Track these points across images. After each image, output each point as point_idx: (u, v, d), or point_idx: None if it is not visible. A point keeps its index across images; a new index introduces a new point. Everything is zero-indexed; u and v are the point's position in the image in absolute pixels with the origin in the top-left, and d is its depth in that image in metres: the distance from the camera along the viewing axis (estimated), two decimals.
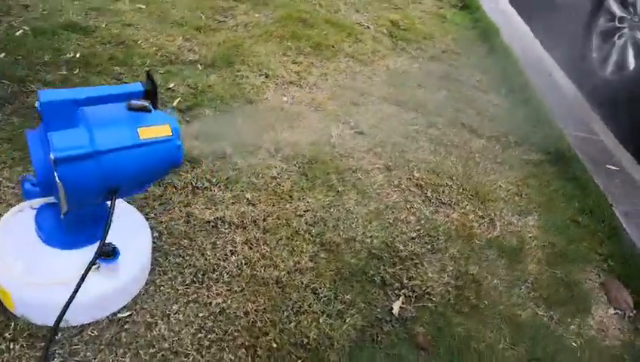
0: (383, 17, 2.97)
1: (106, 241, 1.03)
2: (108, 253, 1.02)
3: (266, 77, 2.16)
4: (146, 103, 0.99)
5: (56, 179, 0.89)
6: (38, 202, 1.07)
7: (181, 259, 1.28)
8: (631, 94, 2.37)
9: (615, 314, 1.46)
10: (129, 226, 1.19)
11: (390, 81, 2.30)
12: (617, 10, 2.66)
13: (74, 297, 0.91)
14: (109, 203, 0.99)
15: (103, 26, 2.25)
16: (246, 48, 2.36)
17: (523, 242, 1.60)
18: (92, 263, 0.94)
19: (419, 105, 2.17)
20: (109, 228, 0.96)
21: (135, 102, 0.98)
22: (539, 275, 1.51)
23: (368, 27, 2.83)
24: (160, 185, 1.49)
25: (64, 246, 1.06)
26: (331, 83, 2.21)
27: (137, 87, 0.99)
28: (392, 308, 1.33)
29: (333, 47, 2.53)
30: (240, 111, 1.91)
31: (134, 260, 1.13)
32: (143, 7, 2.55)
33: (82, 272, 0.95)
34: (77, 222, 1.04)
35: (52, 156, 0.87)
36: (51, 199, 1.03)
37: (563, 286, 1.50)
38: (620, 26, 2.61)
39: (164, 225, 1.36)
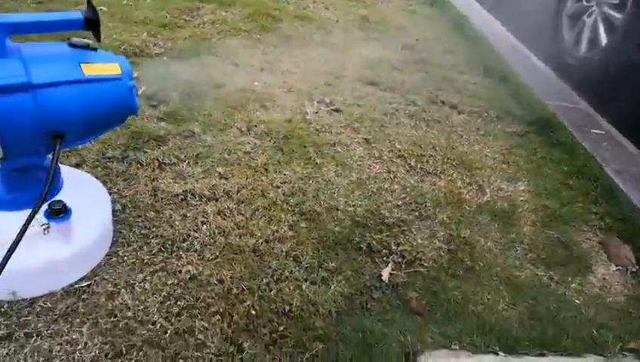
0: (352, 13, 2.95)
1: (57, 199, 0.91)
2: (58, 211, 0.90)
3: (236, 65, 2.08)
4: (89, 41, 0.89)
5: None
6: None
7: (147, 230, 1.16)
8: (607, 68, 2.36)
9: (617, 270, 1.37)
10: (85, 193, 1.08)
11: (364, 65, 2.24)
12: None
13: (10, 255, 0.78)
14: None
15: None
16: (214, 42, 2.29)
17: (515, 206, 1.52)
18: (32, 215, 0.82)
19: (396, 85, 2.11)
20: (53, 175, 0.84)
21: (77, 40, 0.88)
22: (534, 237, 1.42)
23: (338, 21, 2.79)
24: (123, 162, 1.37)
25: (6, 206, 0.93)
26: (303, 68, 2.14)
27: (76, 15, 0.88)
28: (381, 275, 1.22)
29: (303, 38, 2.47)
30: (209, 94, 1.81)
31: (91, 226, 1.01)
32: (105, 8, 2.46)
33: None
34: (19, 177, 0.91)
35: None
36: None
37: (560, 247, 1.41)
38: (588, 4, 2.63)
39: (128, 199, 1.24)
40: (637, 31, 2.19)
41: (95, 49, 0.91)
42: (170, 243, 1.13)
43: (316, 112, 1.81)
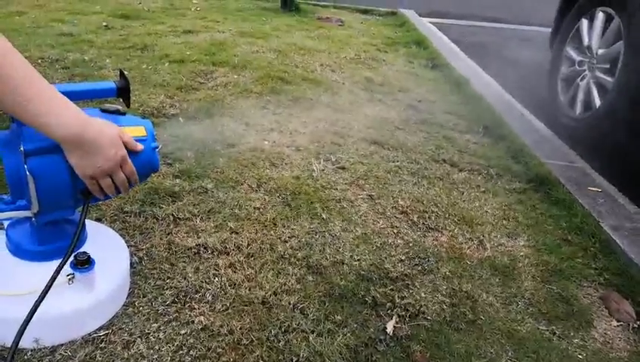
0: (357, 75, 3.11)
1: (82, 251, 0.98)
2: (83, 262, 0.97)
3: (247, 125, 2.20)
4: (119, 107, 1.00)
5: (27, 172, 0.85)
6: (8, 216, 1.02)
7: (162, 282, 1.21)
8: (601, 129, 2.46)
9: (619, 325, 1.39)
10: (105, 245, 1.14)
11: (369, 125, 2.35)
12: (575, 55, 2.83)
13: (39, 304, 0.84)
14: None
15: None
16: (226, 103, 2.43)
17: (515, 261, 1.57)
18: (61, 266, 0.88)
19: (399, 144, 2.21)
20: (81, 229, 0.91)
21: (109, 105, 0.98)
22: (535, 291, 1.46)
23: (344, 83, 2.94)
24: (140, 216, 1.45)
25: (34, 257, 1.00)
26: (311, 128, 2.25)
27: (110, 84, 0.99)
28: (385, 328, 1.25)
29: (311, 99, 2.61)
30: (221, 152, 1.91)
31: (111, 277, 1.07)
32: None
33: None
34: (49, 231, 0.99)
35: (22, 148, 0.85)
36: (22, 214, 0.98)
37: (561, 302, 1.44)
38: (580, 69, 2.77)
39: (144, 251, 1.31)
40: (627, 93, 2.30)
41: (124, 113, 1.01)
42: (183, 294, 1.19)
43: (323, 170, 1.90)
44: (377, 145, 2.17)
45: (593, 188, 1.94)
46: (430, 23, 5.19)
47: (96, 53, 2.92)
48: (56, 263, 0.90)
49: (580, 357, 1.27)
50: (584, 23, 2.81)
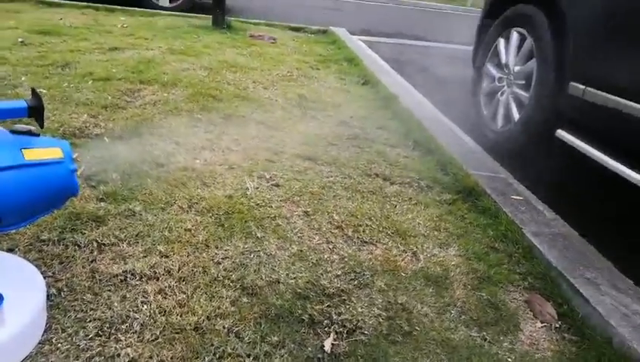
0: (290, 92, 3.12)
1: None
2: None
3: (177, 144, 2.14)
4: (32, 128, 0.93)
5: None
6: None
7: (84, 314, 1.13)
8: (520, 140, 2.61)
9: (542, 327, 1.46)
10: (17, 278, 1.05)
11: (302, 141, 2.36)
12: (495, 72, 3.01)
13: None
14: None
15: None
16: (155, 121, 2.35)
17: (447, 270, 1.61)
18: None
19: (332, 160, 2.23)
20: None
21: (20, 126, 0.91)
22: (466, 299, 1.51)
23: (277, 100, 2.94)
24: (59, 244, 1.35)
25: None
26: (244, 146, 2.22)
27: (20, 103, 0.92)
28: (323, 346, 1.24)
29: (243, 117, 2.58)
30: (150, 173, 1.84)
31: (23, 313, 0.98)
32: (45, 91, 2.49)
33: None
34: None
35: None
36: None
37: (490, 307, 1.50)
38: (500, 85, 2.94)
39: (63, 282, 1.22)
40: (541, 108, 2.47)
41: (38, 134, 0.94)
42: (108, 325, 1.12)
43: (257, 188, 1.87)
44: (311, 161, 2.18)
45: (516, 197, 2.04)
46: (360, 40, 5.33)
47: (10, 71, 2.74)
48: None
49: (510, 360, 1.32)
50: (501, 42, 2.99)
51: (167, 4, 5.84)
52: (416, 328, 1.35)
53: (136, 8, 5.33)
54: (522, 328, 1.44)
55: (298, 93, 3.11)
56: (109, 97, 2.55)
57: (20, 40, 3.41)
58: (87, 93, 2.57)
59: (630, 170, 1.91)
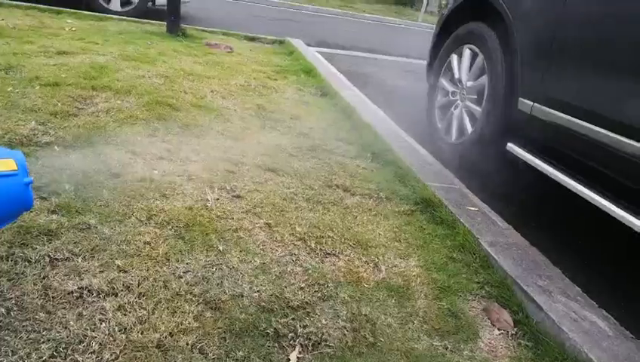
0: (248, 102, 3.10)
1: None
2: None
3: (134, 154, 2.07)
4: None
5: None
6: None
7: (37, 334, 1.07)
8: (473, 153, 2.71)
9: (500, 334, 1.51)
10: None
11: (263, 152, 2.34)
12: (449, 87, 3.11)
13: None
14: None
15: None
16: (110, 130, 2.27)
17: (408, 281, 1.64)
18: None
19: (293, 171, 2.22)
20: None
21: None
22: (428, 309, 1.54)
23: (235, 110, 2.92)
24: (7, 260, 1.28)
25: None
26: (203, 156, 2.18)
27: None
28: (289, 360, 1.23)
29: (202, 126, 2.54)
30: (105, 184, 1.77)
31: None
32: None
33: None
34: None
35: None
36: None
37: (451, 317, 1.53)
38: (453, 98, 3.04)
39: (13, 301, 1.15)
40: (492, 122, 2.57)
41: None
42: (64, 346, 1.06)
43: (217, 199, 1.84)
44: (272, 172, 2.17)
45: (471, 208, 2.11)
46: (317, 52, 5.38)
47: None
48: None
49: None
50: (454, 57, 3.10)
51: (118, 8, 5.69)
52: (381, 339, 1.36)
53: (85, 12, 5.16)
54: (481, 336, 1.48)
55: (257, 104, 3.09)
56: (59, 104, 2.45)
57: None
58: (34, 98, 2.45)
59: (575, 182, 2.01)
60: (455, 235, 1.93)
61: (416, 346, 1.37)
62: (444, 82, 3.19)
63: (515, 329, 1.53)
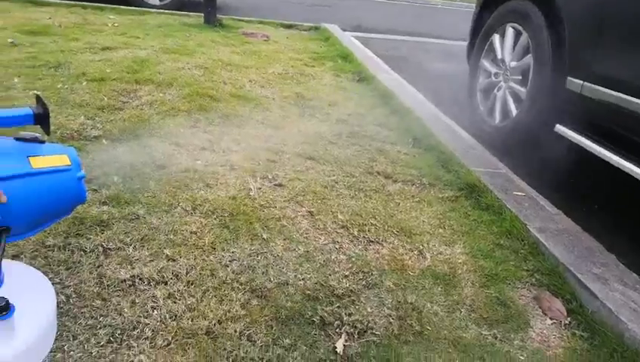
0: (287, 90, 3.10)
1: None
2: (0, 309, 0.86)
3: (177, 145, 2.11)
4: (38, 135, 0.91)
5: None
6: None
7: (94, 320, 1.11)
8: (519, 136, 2.62)
9: (552, 323, 1.46)
10: (26, 286, 1.03)
11: (303, 140, 2.34)
12: (491, 68, 3.01)
13: None
14: None
15: None
16: (153, 122, 2.32)
17: (454, 268, 1.61)
18: None
19: (333, 158, 2.21)
20: None
21: (25, 133, 0.89)
22: (475, 297, 1.50)
23: (274, 99, 2.92)
24: (65, 250, 1.33)
25: None
26: (244, 145, 2.20)
27: (26, 111, 0.90)
28: (335, 347, 1.23)
29: (242, 116, 2.56)
30: (151, 175, 1.81)
31: (34, 322, 0.96)
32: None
33: None
34: None
35: None
36: None
37: (499, 305, 1.49)
38: (496, 80, 2.94)
39: (71, 289, 1.19)
40: (539, 102, 2.47)
41: (43, 141, 0.92)
42: (119, 332, 1.10)
43: (260, 188, 1.85)
44: (312, 160, 2.17)
45: (518, 193, 2.05)
46: (353, 37, 5.32)
47: (2, 72, 2.69)
48: None
49: (522, 358, 1.31)
50: (496, 37, 2.99)
51: (156, 2, 5.79)
52: (427, 327, 1.35)
53: (125, 7, 5.27)
54: (532, 325, 1.44)
55: (295, 92, 3.09)
56: (105, 98, 2.52)
57: (10, 40, 3.35)
58: (82, 94, 2.53)
59: (630, 163, 1.92)
60: (502, 221, 1.88)
61: (464, 335, 1.35)
62: (485, 63, 3.09)
63: (569, 318, 1.47)
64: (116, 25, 4.41)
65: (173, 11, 5.47)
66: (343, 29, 5.63)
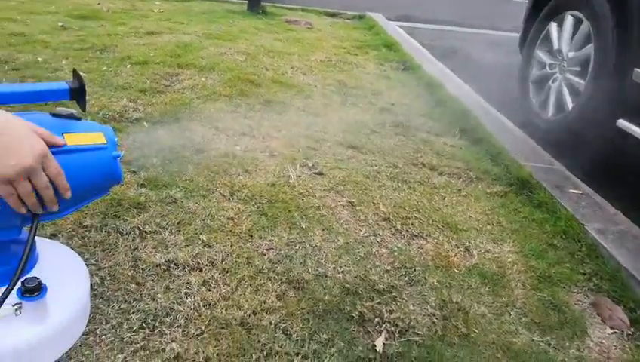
0: (329, 78, 3.03)
1: (32, 276, 0.84)
2: (32, 289, 0.83)
3: (217, 129, 2.08)
4: (74, 111, 0.87)
5: None
6: None
7: (127, 304, 1.08)
8: (575, 130, 2.45)
9: (613, 333, 1.34)
10: (60, 266, 1.01)
11: (344, 128, 2.27)
12: (546, 58, 2.84)
13: None
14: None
15: None
16: (194, 106, 2.30)
17: (504, 268, 1.50)
18: (5, 296, 0.75)
19: (376, 148, 2.13)
20: (29, 252, 0.78)
21: (61, 109, 0.85)
22: (526, 300, 1.40)
23: (316, 86, 2.85)
24: (102, 231, 1.31)
25: None
26: (285, 132, 2.15)
27: (62, 85, 0.86)
28: (374, 345, 1.16)
29: (283, 102, 2.50)
30: (190, 159, 1.78)
31: (67, 303, 0.93)
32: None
33: None
34: None
35: None
36: None
37: (553, 310, 1.38)
38: (551, 71, 2.77)
39: (106, 271, 1.17)
40: (599, 95, 2.30)
41: (80, 118, 0.88)
42: (152, 318, 1.06)
43: (299, 176, 1.79)
44: (354, 149, 2.09)
45: (575, 191, 1.91)
46: (398, 26, 5.17)
47: (51, 54, 2.73)
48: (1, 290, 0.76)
49: None
50: (553, 26, 2.82)
51: None
52: (474, 330, 1.26)
53: None
54: (590, 334, 1.32)
55: (337, 79, 3.01)
56: (148, 81, 2.51)
57: (60, 24, 3.42)
58: (125, 76, 2.54)
59: None
60: (556, 220, 1.75)
61: (514, 340, 1.25)
62: (540, 54, 2.92)
63: (632, 329, 1.35)
64: (162, 11, 4.44)
65: None
66: (388, 18, 5.49)
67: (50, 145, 0.77)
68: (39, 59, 2.64)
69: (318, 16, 5.34)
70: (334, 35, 4.41)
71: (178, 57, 2.96)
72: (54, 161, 0.77)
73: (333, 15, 5.50)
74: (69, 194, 0.81)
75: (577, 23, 2.60)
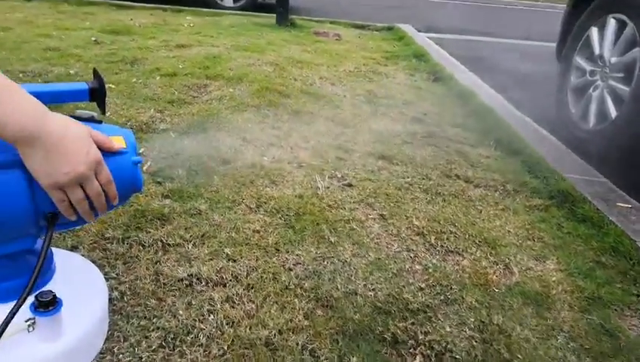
0: (358, 88, 2.97)
1: (46, 290, 0.80)
2: (46, 303, 0.78)
3: (244, 140, 2.04)
4: (94, 114, 0.83)
5: None
6: None
7: (147, 321, 1.03)
8: (620, 141, 2.31)
9: None
10: (78, 279, 0.96)
11: (374, 139, 2.20)
12: (586, 65, 2.71)
13: None
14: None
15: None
16: (222, 117, 2.27)
17: (548, 287, 1.39)
18: (15, 309, 0.70)
19: (408, 159, 2.05)
20: (42, 264, 0.73)
21: (81, 112, 0.81)
22: (574, 323, 1.28)
23: (345, 96, 2.80)
24: (124, 243, 1.27)
25: None
26: (313, 143, 2.09)
27: (81, 85, 0.82)
28: None
29: (311, 113, 2.45)
30: (216, 170, 1.74)
31: (83, 319, 0.88)
32: (113, 86, 2.48)
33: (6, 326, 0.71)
34: (6, 265, 0.80)
35: None
36: None
37: (605, 335, 1.27)
38: (591, 78, 2.64)
39: (127, 285, 1.12)
40: None
41: (100, 121, 0.84)
42: (172, 336, 1.00)
43: (328, 187, 1.73)
44: (385, 160, 2.01)
45: (623, 205, 1.78)
46: (428, 37, 5.09)
47: (82, 67, 2.76)
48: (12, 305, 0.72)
49: None
50: (594, 31, 2.69)
51: (230, 3, 5.89)
52: (518, 355, 1.15)
53: (202, 9, 5.38)
54: None
55: (367, 89, 2.95)
56: (176, 92, 2.51)
57: (93, 39, 3.48)
58: (154, 88, 2.54)
59: None
60: (603, 236, 1.63)
61: None
62: (579, 60, 2.79)
63: None
64: (192, 25, 4.49)
65: (247, 12, 5.51)
66: (418, 30, 5.42)
67: (103, 151, 0.76)
68: (71, 72, 2.67)
69: (346, 28, 5.31)
70: (363, 46, 4.36)
71: (207, 69, 2.96)
72: (106, 168, 0.76)
73: (361, 27, 5.47)
74: (116, 202, 0.79)
75: (621, 26, 2.47)
